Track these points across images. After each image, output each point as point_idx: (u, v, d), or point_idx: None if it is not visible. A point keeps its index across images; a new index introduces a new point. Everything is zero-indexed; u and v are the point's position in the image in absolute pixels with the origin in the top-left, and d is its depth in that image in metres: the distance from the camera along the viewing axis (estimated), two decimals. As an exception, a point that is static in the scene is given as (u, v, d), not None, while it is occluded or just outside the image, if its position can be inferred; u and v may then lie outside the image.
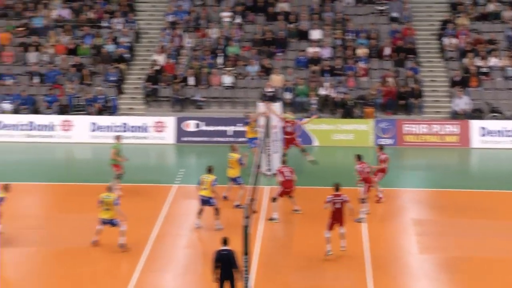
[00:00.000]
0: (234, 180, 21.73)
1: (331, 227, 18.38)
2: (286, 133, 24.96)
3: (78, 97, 30.62)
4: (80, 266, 18.26)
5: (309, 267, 18.16)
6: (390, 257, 18.94)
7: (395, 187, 24.07)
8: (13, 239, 19.38)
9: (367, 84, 31.29)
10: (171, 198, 22.64)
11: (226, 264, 15.48)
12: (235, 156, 21.68)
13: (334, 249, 18.60)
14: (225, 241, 15.78)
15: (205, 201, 19.95)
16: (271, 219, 20.75)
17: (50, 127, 29.31)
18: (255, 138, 23.74)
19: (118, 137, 23.05)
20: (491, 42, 32.70)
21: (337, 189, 18.53)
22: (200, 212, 20.13)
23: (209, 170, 20.21)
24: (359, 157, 21.12)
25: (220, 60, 32.49)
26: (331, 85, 30.70)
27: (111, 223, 18.84)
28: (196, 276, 17.77)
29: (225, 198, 21.29)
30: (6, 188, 19.35)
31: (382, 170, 22.11)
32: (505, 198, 23.05)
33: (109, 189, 19.04)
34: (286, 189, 20.77)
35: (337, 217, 18.39)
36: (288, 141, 24.97)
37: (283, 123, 24.81)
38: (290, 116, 25.22)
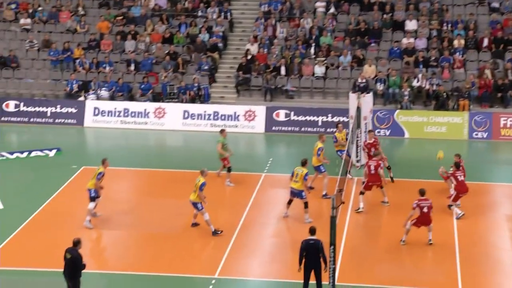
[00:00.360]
0: (317, 168, 21.61)
1: (416, 225, 18.40)
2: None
3: (171, 85, 31.21)
4: (170, 250, 18.66)
5: (395, 259, 17.92)
6: (481, 253, 18.47)
7: (489, 181, 23.40)
8: (107, 222, 20.02)
9: (463, 76, 30.48)
10: (259, 186, 22.76)
11: (312, 254, 15.47)
12: (319, 145, 21.48)
13: (423, 240, 18.28)
14: (312, 231, 15.76)
15: (296, 194, 19.96)
16: (357, 210, 20.59)
17: (144, 114, 30.02)
18: (342, 151, 22.52)
19: (222, 131, 23.16)
20: None
21: (422, 194, 18.37)
22: (290, 203, 20.16)
23: (303, 163, 20.01)
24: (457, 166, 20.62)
25: (312, 50, 32.37)
26: (424, 77, 30.07)
27: (195, 206, 19.16)
28: (281, 264, 17.84)
29: (311, 188, 21.20)
30: (103, 162, 20.20)
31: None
32: None
33: (202, 173, 19.43)
34: (371, 182, 20.51)
35: (423, 221, 18.27)
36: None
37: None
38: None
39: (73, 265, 15.37)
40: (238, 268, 17.80)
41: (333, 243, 16.24)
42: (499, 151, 27.51)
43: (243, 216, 20.56)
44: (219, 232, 19.14)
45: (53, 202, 21.73)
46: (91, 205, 19.82)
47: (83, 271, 15.54)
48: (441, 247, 18.66)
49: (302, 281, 15.59)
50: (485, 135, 28.11)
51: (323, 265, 15.52)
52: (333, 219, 16.31)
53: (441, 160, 21.37)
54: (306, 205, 19.84)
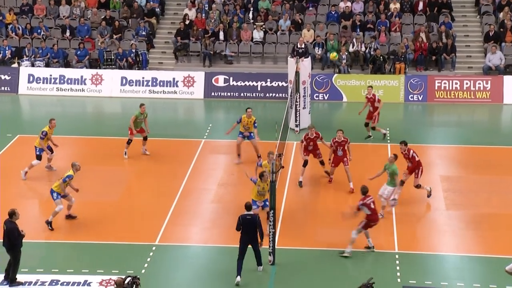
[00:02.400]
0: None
1: (366, 228, 16.90)
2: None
3: (108, 51, 30.69)
4: (109, 218, 18.52)
5: (334, 223, 18.20)
6: (417, 213, 18.91)
7: (424, 143, 23.88)
8: (45, 191, 19.71)
9: (399, 39, 30.83)
10: (199, 152, 22.75)
11: (249, 229, 15.46)
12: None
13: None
14: (248, 207, 15.73)
15: None
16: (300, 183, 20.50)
17: (81, 81, 29.48)
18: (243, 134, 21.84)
19: (141, 106, 22.25)
20: (527, -4, 31.90)
21: (365, 193, 16.86)
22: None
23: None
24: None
25: (251, 14, 32.22)
26: (359, 40, 30.30)
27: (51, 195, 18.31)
28: (221, 230, 17.95)
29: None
30: (50, 122, 20.82)
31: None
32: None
33: (72, 166, 18.40)
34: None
35: (374, 219, 16.85)
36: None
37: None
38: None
39: (9, 236, 15.15)
40: (178, 235, 17.84)
41: (273, 207, 16.42)
42: (434, 113, 28.06)
43: (183, 183, 20.56)
44: (50, 228, 17.84)
45: (-12, 171, 21.29)
46: (35, 161, 20.45)
47: (23, 240, 15.35)
48: (377, 208, 19.01)
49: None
50: (420, 98, 28.60)
51: (259, 240, 15.60)
52: (272, 184, 16.45)
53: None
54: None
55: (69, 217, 18.30)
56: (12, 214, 15.29)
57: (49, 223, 17.74)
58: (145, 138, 22.21)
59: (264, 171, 17.54)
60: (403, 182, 19.11)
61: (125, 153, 22.00)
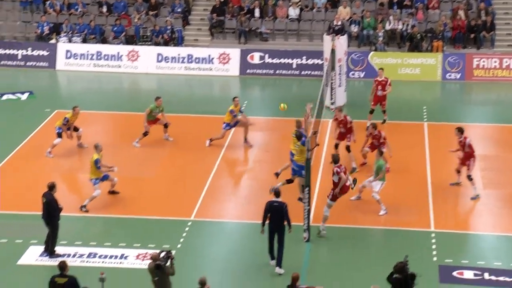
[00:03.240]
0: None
1: (334, 199, 16.70)
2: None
3: (145, 27, 30.76)
4: (145, 193, 18.69)
5: (371, 199, 18.09)
6: (453, 191, 18.72)
7: (462, 122, 23.55)
8: (81, 166, 19.94)
9: (437, 17, 30.37)
10: (234, 129, 22.70)
11: (276, 216, 15.10)
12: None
13: (396, 182, 18.49)
14: (277, 193, 15.37)
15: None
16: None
17: (117, 57, 29.61)
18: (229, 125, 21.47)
19: (157, 99, 21.63)
20: None
21: (336, 161, 16.80)
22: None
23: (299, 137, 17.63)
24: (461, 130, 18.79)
25: (286, -9, 31.99)
26: (396, 18, 29.92)
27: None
28: (256, 206, 17.93)
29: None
30: (73, 109, 20.68)
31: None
32: None
33: (96, 148, 18.05)
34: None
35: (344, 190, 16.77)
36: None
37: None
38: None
39: (48, 209, 15.38)
40: (213, 210, 17.93)
41: (308, 184, 16.38)
42: (472, 91, 27.68)
43: (218, 160, 20.60)
44: (84, 210, 17.74)
45: (26, 145, 21.57)
46: (56, 140, 20.56)
47: (61, 214, 15.57)
48: (414, 187, 18.90)
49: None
50: (458, 76, 28.20)
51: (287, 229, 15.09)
52: (308, 161, 16.41)
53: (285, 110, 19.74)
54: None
55: (112, 192, 18.42)
56: (52, 186, 15.51)
57: (83, 206, 17.74)
58: (165, 126, 21.75)
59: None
60: (459, 171, 18.60)
61: (137, 142, 21.51)
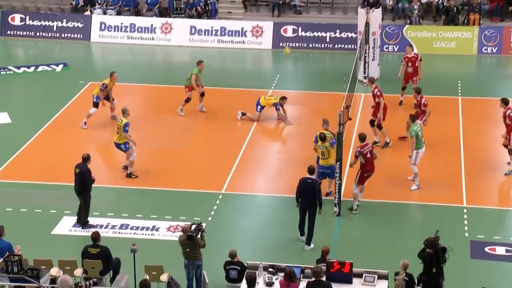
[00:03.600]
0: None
1: (361, 181, 16.50)
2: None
3: (178, 0, 30.71)
4: (177, 166, 18.81)
5: (401, 175, 18.00)
6: (487, 167, 18.52)
7: (496, 96, 23.17)
8: (112, 138, 20.06)
9: (474, -11, 29.80)
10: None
11: (308, 193, 14.96)
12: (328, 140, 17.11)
13: (430, 158, 18.34)
14: (311, 170, 15.21)
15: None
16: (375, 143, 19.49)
17: (151, 30, 29.65)
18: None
19: (200, 62, 21.84)
20: None
21: (363, 140, 16.60)
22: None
23: (323, 139, 16.91)
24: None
25: (321, -37, 31.62)
26: (435, -9, 29.43)
27: (119, 147, 18.16)
28: (287, 180, 17.99)
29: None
30: (111, 75, 20.83)
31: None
32: None
33: (124, 112, 18.14)
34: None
35: (370, 168, 16.52)
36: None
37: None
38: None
39: (82, 179, 15.58)
40: (244, 184, 17.99)
41: (339, 159, 16.33)
42: (509, 66, 27.18)
43: (250, 133, 20.62)
44: (134, 176, 17.97)
45: (61, 116, 21.81)
46: (92, 110, 20.58)
47: (93, 185, 15.76)
48: (447, 161, 18.74)
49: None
50: (494, 50, 27.70)
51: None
52: (340, 136, 16.33)
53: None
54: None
55: (129, 175, 17.96)
56: (87, 158, 15.71)
57: (130, 174, 17.92)
58: (202, 95, 21.87)
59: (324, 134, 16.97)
60: (506, 146, 18.22)
61: (181, 110, 21.75)
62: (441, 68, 26.64)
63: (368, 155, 16.40)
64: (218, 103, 22.59)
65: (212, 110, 22.08)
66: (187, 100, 21.69)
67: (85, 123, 20.83)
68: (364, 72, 24.31)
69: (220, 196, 17.29)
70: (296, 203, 15.27)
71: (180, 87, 22.31)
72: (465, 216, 16.29)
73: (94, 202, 15.99)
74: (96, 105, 20.78)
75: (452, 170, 18.33)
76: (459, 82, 24.16)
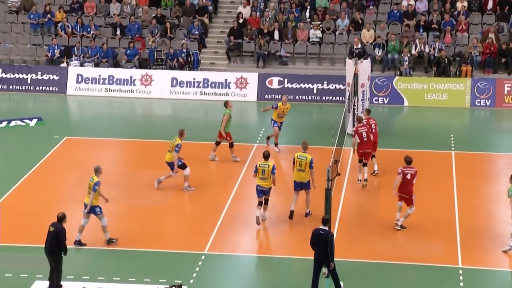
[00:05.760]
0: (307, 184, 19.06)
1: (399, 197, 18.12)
2: None
3: (159, 50, 31.04)
4: (157, 224, 18.71)
5: (393, 234, 18.02)
6: (482, 225, 18.57)
7: (492, 151, 23.47)
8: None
9: (466, 40, 30.40)
10: (251, 157, 22.79)
11: (320, 244, 15.04)
12: (308, 157, 18.78)
13: (421, 214, 18.40)
14: (325, 221, 15.22)
15: (265, 192, 18.49)
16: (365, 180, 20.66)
17: (130, 82, 29.88)
18: (276, 122, 23.13)
19: (227, 103, 22.53)
20: None
21: (409, 163, 18.04)
22: (260, 205, 18.53)
23: (266, 157, 18.64)
24: None
25: (307, 13, 32.19)
26: (422, 41, 29.96)
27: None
28: (273, 239, 17.95)
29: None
30: (181, 134, 20.51)
31: None
32: None
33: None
34: (362, 150, 20.36)
35: (404, 190, 17.90)
36: None
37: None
38: None
39: (56, 239, 15.43)
40: (228, 243, 17.90)
41: (327, 219, 16.30)
42: (503, 119, 27.55)
43: (234, 189, 20.63)
44: (114, 240, 17.65)
45: (34, 173, 21.72)
46: (186, 171, 20.42)
47: (68, 246, 15.61)
48: (440, 220, 18.78)
49: (306, 258, 15.48)
50: (488, 103, 28.12)
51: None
52: (328, 192, 16.37)
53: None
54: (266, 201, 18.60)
55: (110, 242, 17.72)
56: (63, 217, 15.59)
57: (110, 240, 17.64)
58: (231, 145, 22.37)
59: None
60: None
61: (234, 156, 22.44)
62: (433, 121, 26.96)
63: (408, 177, 17.87)
64: (201, 158, 22.63)
65: (195, 165, 22.09)
66: (231, 144, 22.38)
67: (189, 185, 20.54)
68: (353, 126, 24.49)
69: (203, 257, 17.18)
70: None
71: (161, 141, 22.35)
72: (461, 278, 16.26)
73: (68, 265, 15.82)
74: (183, 166, 20.36)
75: (446, 228, 18.36)
76: (452, 135, 24.43)
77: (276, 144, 23.20)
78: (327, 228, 15.26)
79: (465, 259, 16.93)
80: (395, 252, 17.30)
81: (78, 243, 17.52)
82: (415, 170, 18.07)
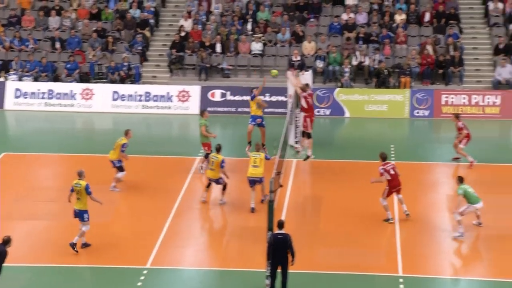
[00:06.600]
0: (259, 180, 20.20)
1: (389, 195, 19.12)
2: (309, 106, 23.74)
3: (100, 64, 30.84)
4: (98, 239, 18.54)
5: (335, 244, 18.20)
6: (422, 234, 18.90)
7: (430, 161, 23.93)
8: (32, 211, 19.72)
9: (404, 52, 30.98)
10: (194, 170, 22.76)
11: (280, 249, 15.32)
12: (262, 155, 20.20)
13: (359, 225, 18.63)
14: (281, 225, 15.54)
15: (216, 181, 20.30)
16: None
17: (71, 96, 29.60)
18: (258, 117, 23.19)
19: (203, 113, 22.42)
20: (539, 6, 32.10)
21: (384, 159, 19.15)
22: (208, 186, 20.42)
23: (218, 150, 20.26)
24: None
25: (249, 26, 32.41)
26: (362, 53, 30.44)
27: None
28: (217, 252, 17.95)
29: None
30: (126, 134, 21.26)
31: (467, 136, 23.13)
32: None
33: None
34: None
35: (395, 185, 19.03)
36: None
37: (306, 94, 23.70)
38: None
39: None
40: (171, 257, 17.84)
41: (270, 228, 16.41)
42: (441, 129, 28.12)
43: (177, 203, 20.57)
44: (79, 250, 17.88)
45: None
46: (121, 174, 21.09)
47: (5, 264, 15.35)
48: (381, 230, 19.04)
49: (267, 272, 15.53)
50: (426, 113, 28.69)
51: (290, 259, 15.43)
52: (271, 204, 16.47)
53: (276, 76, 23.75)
54: (224, 187, 20.24)
55: (85, 245, 18.09)
56: (8, 241, 15.23)
57: (73, 245, 17.73)
58: (206, 156, 22.12)
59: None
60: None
61: (201, 168, 22.28)
62: (373, 131, 27.37)
63: (392, 171, 18.81)
64: (143, 171, 22.54)
65: (137, 179, 22.00)
66: (206, 155, 22.04)
67: (115, 186, 20.99)
68: (295, 137, 24.74)
69: (145, 272, 17.07)
70: (267, 262, 15.45)
71: (102, 156, 22.17)
72: (401, 286, 16.50)
73: (6, 282, 15.53)
74: (121, 168, 20.99)
75: (387, 237, 18.63)
76: (392, 146, 24.83)
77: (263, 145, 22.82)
78: (284, 231, 15.47)
79: (406, 268, 17.19)
80: (337, 262, 17.45)
81: (85, 244, 17.93)
82: (393, 163, 19.28)
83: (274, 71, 23.75)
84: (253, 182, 19.88)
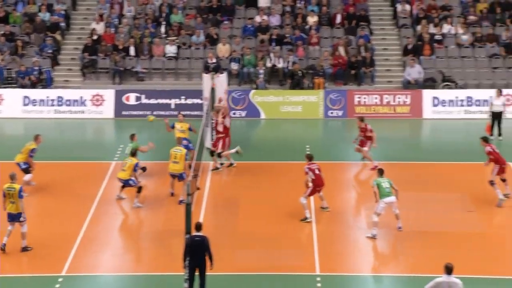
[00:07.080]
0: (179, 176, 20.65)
1: (311, 194, 19.52)
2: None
3: (9, 69, 30.07)
4: (10, 247, 18.04)
5: (253, 246, 18.26)
6: (338, 232, 19.15)
7: (344, 160, 24.30)
8: None
9: (318, 53, 31.40)
10: (110, 175, 22.46)
11: (198, 251, 15.13)
12: (183, 150, 20.62)
13: (277, 227, 18.75)
14: (198, 227, 15.38)
15: (125, 182, 20.29)
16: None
17: (-21, 101, 28.79)
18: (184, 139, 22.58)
19: (133, 136, 21.80)
20: (444, 8, 33.07)
21: (311, 159, 19.56)
22: (123, 187, 20.54)
23: (133, 154, 20.45)
24: (485, 140, 20.87)
25: (163, 29, 32.20)
26: (276, 55, 30.69)
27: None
28: (135, 257, 17.78)
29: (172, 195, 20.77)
30: (36, 139, 21.01)
31: (369, 138, 23.18)
32: (457, 170, 23.44)
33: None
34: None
35: (319, 183, 19.38)
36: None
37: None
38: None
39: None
40: (88, 263, 17.52)
41: (188, 231, 16.32)
42: (354, 129, 28.43)
43: (93, 208, 20.24)
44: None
45: None
46: (28, 177, 20.87)
47: None
48: (297, 230, 19.20)
49: (186, 276, 15.32)
50: (340, 113, 29.13)
51: (208, 263, 15.24)
52: (188, 207, 16.37)
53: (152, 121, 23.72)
54: (139, 190, 20.17)
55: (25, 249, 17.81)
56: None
57: (25, 247, 17.59)
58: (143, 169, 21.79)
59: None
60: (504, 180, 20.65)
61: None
62: (289, 132, 27.62)
63: (317, 171, 19.27)
64: (57, 177, 22.09)
65: (50, 185, 21.54)
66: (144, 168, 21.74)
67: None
68: (212, 140, 24.68)
69: (60, 279, 16.70)
70: (183, 263, 15.19)
71: (11, 162, 21.62)
72: (319, 285, 16.66)
73: None
74: (27, 170, 20.74)
75: (305, 236, 18.81)
76: (307, 146, 25.10)
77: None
78: (201, 234, 15.35)
79: (323, 266, 17.37)
80: (256, 263, 17.50)
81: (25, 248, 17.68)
82: (318, 164, 19.60)
83: (151, 117, 23.93)
84: (173, 177, 20.45)
